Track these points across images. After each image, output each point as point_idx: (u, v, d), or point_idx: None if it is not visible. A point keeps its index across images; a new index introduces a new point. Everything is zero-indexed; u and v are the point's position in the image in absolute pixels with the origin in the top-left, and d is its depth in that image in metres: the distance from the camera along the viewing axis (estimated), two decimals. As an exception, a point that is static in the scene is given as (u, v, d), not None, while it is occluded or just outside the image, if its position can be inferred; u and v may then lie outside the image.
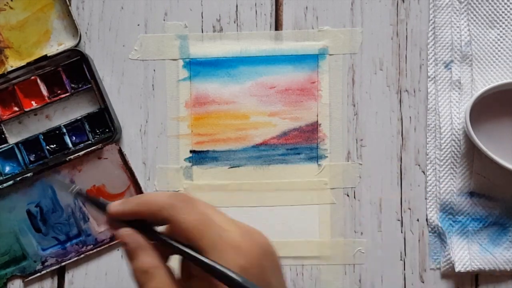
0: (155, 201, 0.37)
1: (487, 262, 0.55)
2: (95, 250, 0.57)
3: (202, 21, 0.58)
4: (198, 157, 0.57)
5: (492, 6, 0.56)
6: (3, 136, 0.57)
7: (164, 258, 0.38)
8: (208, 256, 0.35)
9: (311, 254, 0.57)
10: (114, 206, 0.38)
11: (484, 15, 0.56)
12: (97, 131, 0.57)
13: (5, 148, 0.57)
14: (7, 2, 0.57)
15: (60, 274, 0.58)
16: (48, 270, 0.57)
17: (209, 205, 0.38)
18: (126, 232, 0.37)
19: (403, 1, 0.57)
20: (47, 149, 0.57)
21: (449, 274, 0.56)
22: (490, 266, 0.55)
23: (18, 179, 0.56)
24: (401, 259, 0.56)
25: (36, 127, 0.58)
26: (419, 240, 0.57)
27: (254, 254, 0.36)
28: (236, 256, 0.35)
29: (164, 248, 0.37)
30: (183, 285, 0.37)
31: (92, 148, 0.57)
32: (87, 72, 0.56)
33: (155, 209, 0.37)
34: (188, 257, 0.36)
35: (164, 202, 0.36)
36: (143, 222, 0.37)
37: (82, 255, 0.57)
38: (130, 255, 0.37)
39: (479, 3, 0.56)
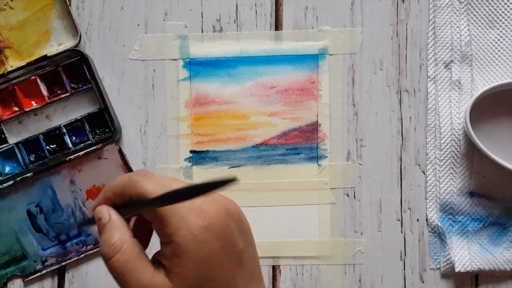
0: (117, 184, 0.38)
1: (487, 262, 0.55)
2: (95, 250, 0.57)
3: (202, 21, 0.58)
4: (198, 157, 0.57)
5: (492, 6, 0.56)
6: (3, 136, 0.57)
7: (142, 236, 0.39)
8: (170, 221, 0.36)
9: (311, 254, 0.57)
10: (90, 204, 0.40)
11: (484, 15, 0.56)
12: (97, 131, 0.57)
13: (5, 148, 0.57)
14: (7, 2, 0.57)
15: (60, 274, 0.58)
16: (48, 270, 0.57)
17: (170, 177, 0.39)
18: (98, 209, 0.39)
19: (403, 1, 0.57)
20: (47, 149, 0.57)
21: (449, 274, 0.56)
22: (490, 266, 0.55)
23: (18, 179, 0.56)
24: (401, 259, 0.57)
25: (36, 127, 0.58)
26: (419, 240, 0.57)
27: (218, 214, 0.37)
28: (197, 217, 0.36)
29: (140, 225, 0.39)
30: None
31: (92, 148, 0.57)
32: (87, 72, 0.56)
33: (119, 190, 0.38)
34: (138, 207, 0.37)
35: (124, 181, 0.38)
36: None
37: (82, 255, 0.57)
38: (100, 230, 0.38)
39: (479, 3, 0.56)
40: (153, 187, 0.37)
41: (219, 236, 0.37)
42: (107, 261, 0.38)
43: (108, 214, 0.39)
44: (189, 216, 0.36)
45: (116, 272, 0.37)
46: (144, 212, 0.38)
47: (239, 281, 0.38)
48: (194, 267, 0.36)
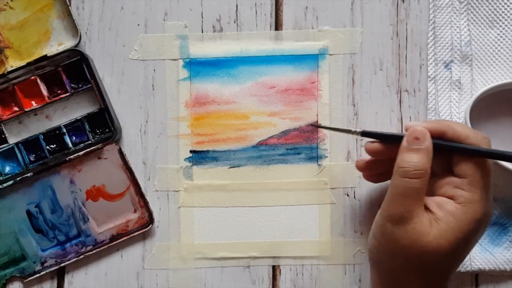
0: (440, 121, 0.47)
1: (487, 262, 0.55)
2: (94, 251, 0.57)
3: (202, 21, 0.58)
4: (198, 157, 0.57)
5: (492, 6, 0.56)
6: (3, 136, 0.57)
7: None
8: (478, 184, 0.45)
9: (311, 254, 0.57)
10: (417, 124, 0.46)
11: (484, 15, 0.56)
12: (97, 131, 0.57)
13: (5, 148, 0.57)
14: (7, 2, 0.57)
15: (59, 274, 0.57)
16: (47, 271, 0.57)
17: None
18: (421, 129, 0.45)
19: (403, 1, 0.57)
20: (47, 149, 0.57)
21: (449, 274, 0.56)
22: (490, 266, 0.55)
23: (18, 179, 0.56)
24: (401, 259, 0.56)
25: (36, 127, 0.58)
26: (419, 240, 0.56)
27: (490, 212, 0.47)
28: (490, 202, 0.47)
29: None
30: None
31: (92, 148, 0.57)
32: (87, 72, 0.56)
33: (438, 126, 0.46)
34: (454, 149, 0.46)
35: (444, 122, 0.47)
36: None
37: (82, 256, 0.57)
38: (409, 148, 0.45)
39: (479, 3, 0.56)
40: (475, 135, 0.45)
41: (482, 232, 0.46)
42: (402, 178, 0.44)
43: (427, 139, 0.45)
44: (489, 195, 0.45)
45: (402, 192, 0.44)
46: (456, 156, 0.46)
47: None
48: (456, 234, 0.44)
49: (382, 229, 0.45)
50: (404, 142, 0.46)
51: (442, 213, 0.44)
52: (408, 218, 0.44)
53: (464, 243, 0.44)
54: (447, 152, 0.46)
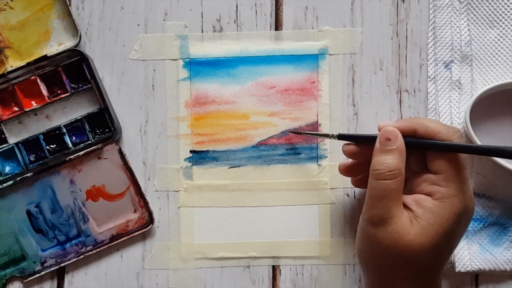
0: (410, 119, 0.48)
1: (487, 262, 0.55)
2: (94, 251, 0.57)
3: (202, 21, 0.58)
4: (198, 157, 0.57)
5: (492, 6, 0.56)
6: (3, 136, 0.57)
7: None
8: (455, 179, 0.45)
9: (311, 254, 0.57)
10: (388, 124, 0.47)
11: (484, 15, 0.56)
12: (97, 131, 0.57)
13: (5, 148, 0.57)
14: (7, 2, 0.57)
15: (59, 275, 0.57)
16: (47, 271, 0.57)
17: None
18: (390, 129, 0.46)
19: (403, 1, 0.57)
20: (47, 149, 0.57)
21: (449, 274, 0.56)
22: (490, 266, 0.55)
23: (18, 179, 0.56)
24: (401, 259, 0.56)
25: (36, 127, 0.58)
26: (419, 240, 0.56)
27: (471, 210, 0.47)
28: (472, 200, 0.47)
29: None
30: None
31: (92, 148, 0.57)
32: (87, 72, 0.56)
33: (409, 124, 0.47)
34: (427, 145, 0.46)
35: (415, 119, 0.47)
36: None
37: (82, 256, 0.57)
38: (382, 149, 0.45)
39: (479, 3, 0.56)
40: (446, 130, 0.45)
41: (464, 225, 0.46)
42: (377, 180, 0.44)
43: (399, 139, 0.45)
44: (466, 188, 0.45)
45: (379, 193, 0.45)
46: (433, 153, 0.46)
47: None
48: (437, 229, 0.44)
49: (365, 232, 0.46)
50: (376, 144, 0.46)
51: (421, 211, 0.45)
52: (387, 218, 0.44)
53: (446, 238, 0.45)
54: (420, 149, 0.47)
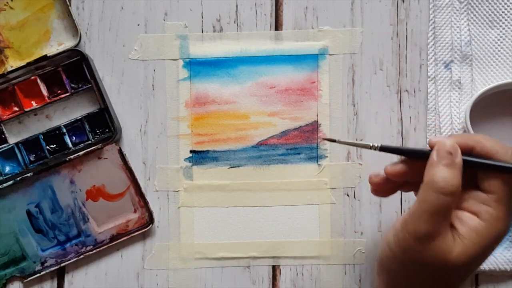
0: (470, 135, 0.46)
1: (487, 262, 0.55)
2: (94, 251, 0.57)
3: (202, 21, 0.58)
4: (198, 157, 0.57)
5: (492, 6, 0.56)
6: (3, 136, 0.57)
7: None
8: (503, 201, 0.43)
9: (311, 254, 0.57)
10: (449, 139, 0.44)
11: (484, 15, 0.56)
12: (97, 131, 0.57)
13: (5, 148, 0.57)
14: (7, 2, 0.57)
15: (59, 274, 0.57)
16: (47, 271, 0.57)
17: None
18: (455, 146, 0.44)
19: (403, 1, 0.57)
20: (47, 149, 0.57)
21: (449, 274, 0.56)
22: (490, 266, 0.55)
23: (18, 179, 0.56)
24: (401, 259, 0.56)
25: (36, 127, 0.58)
26: (419, 240, 0.56)
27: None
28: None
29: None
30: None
31: (92, 148, 0.57)
32: (87, 72, 0.56)
33: (467, 142, 0.45)
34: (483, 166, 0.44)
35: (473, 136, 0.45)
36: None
37: (82, 256, 0.57)
38: (441, 164, 0.43)
39: (479, 3, 0.56)
40: (504, 151, 0.44)
41: (501, 241, 0.44)
42: (438, 194, 0.42)
43: (459, 155, 0.44)
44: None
45: (433, 208, 0.42)
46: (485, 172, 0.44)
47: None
48: (477, 249, 0.43)
49: (402, 243, 0.43)
50: (434, 157, 0.44)
51: (465, 230, 0.43)
52: (434, 235, 0.42)
53: (483, 258, 0.44)
54: (476, 168, 0.45)
